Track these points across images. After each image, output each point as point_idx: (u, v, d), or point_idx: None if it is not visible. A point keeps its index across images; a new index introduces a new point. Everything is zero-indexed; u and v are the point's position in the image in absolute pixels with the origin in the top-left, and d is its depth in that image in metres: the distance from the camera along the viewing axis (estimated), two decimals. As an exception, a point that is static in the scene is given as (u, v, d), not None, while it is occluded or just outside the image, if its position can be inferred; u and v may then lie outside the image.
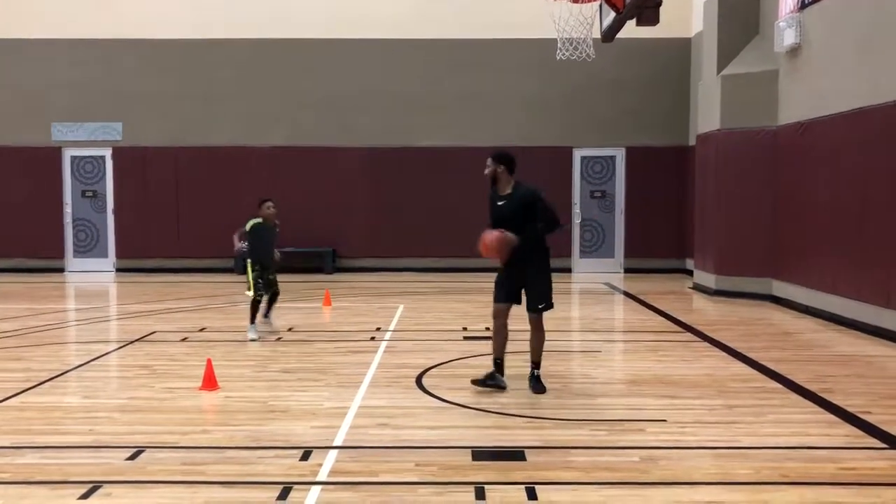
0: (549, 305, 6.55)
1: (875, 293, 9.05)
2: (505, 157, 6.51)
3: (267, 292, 9.12)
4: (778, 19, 11.47)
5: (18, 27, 15.85)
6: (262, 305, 9.14)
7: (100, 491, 4.37)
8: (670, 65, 15.76)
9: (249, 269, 8.86)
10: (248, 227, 8.87)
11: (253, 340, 8.63)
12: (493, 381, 6.47)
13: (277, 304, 9.65)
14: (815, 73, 10.65)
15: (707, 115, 12.96)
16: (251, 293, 8.86)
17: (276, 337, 8.99)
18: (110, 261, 16.21)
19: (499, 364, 6.53)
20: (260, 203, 9.05)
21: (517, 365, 6.99)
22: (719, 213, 12.49)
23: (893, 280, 8.71)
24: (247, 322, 8.94)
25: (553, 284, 6.61)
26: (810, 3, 10.66)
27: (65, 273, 16.04)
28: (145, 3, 15.83)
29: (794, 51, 11.11)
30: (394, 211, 15.91)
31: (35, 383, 6.80)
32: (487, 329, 9.29)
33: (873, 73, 9.19)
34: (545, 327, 6.62)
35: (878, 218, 9.04)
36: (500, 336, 6.52)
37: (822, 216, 10.38)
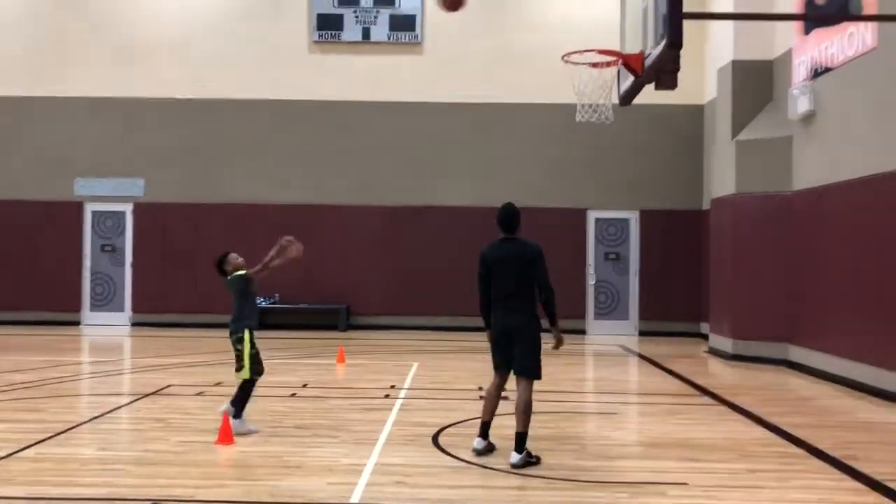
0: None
1: (893, 358, 8.96)
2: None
3: (260, 371, 7.07)
4: (791, 87, 11.65)
5: (45, 86, 16.26)
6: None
7: (116, 543, 4.32)
8: (684, 130, 15.96)
9: (247, 341, 6.92)
10: (242, 280, 7.05)
11: (251, 432, 6.84)
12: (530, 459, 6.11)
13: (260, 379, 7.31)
14: (830, 140, 10.76)
15: (721, 180, 13.06)
16: (245, 374, 6.93)
17: (291, 393, 8.96)
18: (126, 315, 16.28)
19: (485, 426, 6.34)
20: (224, 257, 7.23)
21: (536, 427, 6.91)
22: (735, 277, 12.48)
23: (914, 346, 8.64)
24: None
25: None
26: (823, 72, 10.84)
27: (80, 326, 16.10)
28: (167, 63, 16.24)
29: (808, 118, 11.25)
30: (409, 269, 15.97)
31: (50, 434, 6.78)
32: (505, 389, 9.27)
33: (886, 139, 9.29)
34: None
35: (894, 282, 9.02)
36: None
37: (839, 281, 10.35)
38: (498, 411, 6.44)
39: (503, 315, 6.27)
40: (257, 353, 7.05)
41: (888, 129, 9.28)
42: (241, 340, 6.93)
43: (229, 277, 7.11)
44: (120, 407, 8.16)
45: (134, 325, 16.16)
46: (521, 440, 6.02)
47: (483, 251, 6.47)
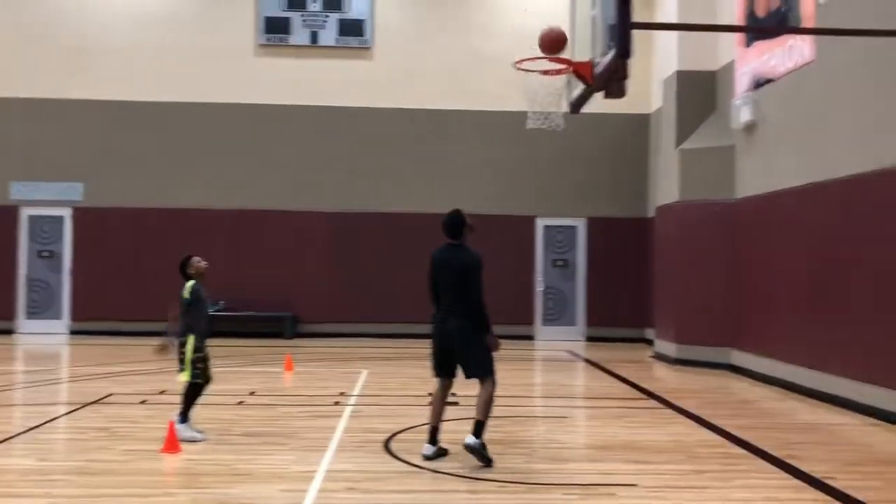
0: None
1: (832, 362, 9.24)
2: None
3: (206, 378, 6.98)
4: (734, 97, 11.95)
5: (-19, 85, 15.76)
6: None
7: (59, 555, 4.19)
8: (630, 139, 16.24)
9: (190, 346, 6.84)
10: (187, 293, 6.96)
11: (194, 441, 6.66)
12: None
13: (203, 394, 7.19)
14: (770, 149, 11.07)
15: (666, 188, 13.32)
16: (186, 378, 6.85)
17: (238, 401, 8.81)
18: (65, 322, 15.81)
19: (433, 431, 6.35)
20: (186, 260, 7.18)
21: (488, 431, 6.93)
22: (679, 283, 12.72)
23: (850, 348, 8.92)
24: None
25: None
26: (764, 83, 11.15)
27: (14, 335, 15.57)
28: (109, 64, 15.86)
29: (750, 127, 11.55)
30: (355, 276, 15.87)
31: (-14, 445, 6.55)
32: (453, 394, 9.26)
33: (823, 149, 9.60)
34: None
35: (833, 288, 9.30)
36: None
37: (779, 287, 10.64)
38: (446, 416, 6.44)
39: (441, 319, 6.33)
40: (204, 359, 6.92)
41: (825, 139, 9.59)
42: (184, 344, 6.86)
43: (187, 283, 7.02)
44: (59, 416, 7.91)
45: (73, 332, 15.70)
46: (479, 427, 6.09)
47: (433, 253, 6.57)
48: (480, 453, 6.05)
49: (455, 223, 6.45)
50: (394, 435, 7.13)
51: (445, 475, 5.88)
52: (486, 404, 6.17)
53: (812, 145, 9.91)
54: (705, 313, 12.31)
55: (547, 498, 5.39)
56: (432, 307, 6.51)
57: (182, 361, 6.86)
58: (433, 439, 6.33)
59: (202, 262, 7.17)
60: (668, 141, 13.38)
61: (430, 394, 9.34)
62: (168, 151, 15.94)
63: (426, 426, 6.48)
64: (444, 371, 6.40)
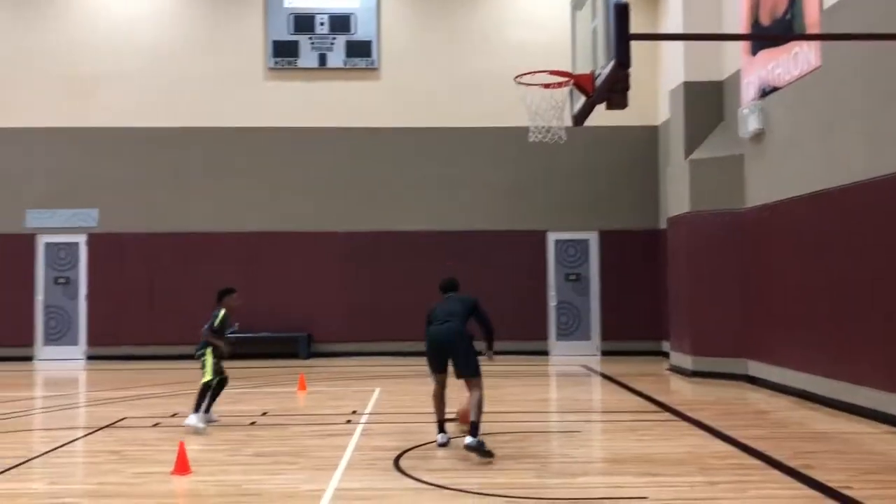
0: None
1: (848, 370, 9.13)
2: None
3: (220, 376, 8.57)
4: (741, 106, 11.92)
5: (-3, 116, 16.02)
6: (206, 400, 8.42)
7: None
8: (639, 151, 16.22)
9: (209, 356, 8.38)
10: (218, 321, 8.42)
11: (198, 430, 7.99)
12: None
13: (223, 394, 8.79)
14: (779, 157, 11.01)
15: (677, 199, 13.28)
16: (208, 377, 8.34)
17: (251, 421, 8.83)
18: (81, 348, 15.94)
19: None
20: (225, 293, 8.61)
21: (499, 446, 6.91)
22: (693, 295, 12.64)
23: (865, 357, 8.81)
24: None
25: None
26: (770, 91, 11.12)
27: (34, 361, 15.71)
28: (121, 93, 16.08)
29: (758, 136, 11.51)
30: (369, 295, 15.91)
31: (0, 470, 6.58)
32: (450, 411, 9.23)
33: (831, 155, 9.54)
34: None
35: (845, 295, 9.21)
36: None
37: (792, 295, 10.55)
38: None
39: (437, 328, 7.31)
40: (218, 362, 8.46)
41: (833, 145, 9.54)
42: (204, 354, 8.42)
43: (220, 312, 8.50)
44: (73, 440, 7.96)
45: (89, 358, 15.82)
46: (475, 428, 6.83)
47: (431, 306, 7.61)
48: (480, 449, 6.65)
49: (453, 281, 7.84)
50: (404, 452, 7.11)
51: (454, 491, 5.85)
52: (479, 406, 6.95)
53: (820, 152, 9.85)
54: (720, 324, 12.22)
55: (556, 512, 5.34)
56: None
57: (203, 367, 8.42)
58: (443, 428, 7.40)
59: (238, 300, 8.73)
60: (677, 152, 13.36)
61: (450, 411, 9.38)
62: (180, 176, 16.10)
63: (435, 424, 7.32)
64: (440, 365, 7.35)
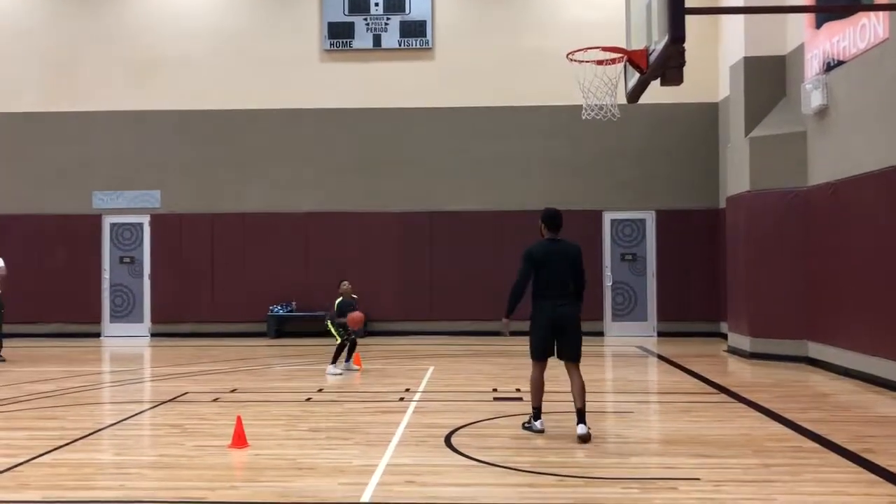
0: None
1: (915, 353, 8.85)
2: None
3: (349, 337, 11.03)
4: (804, 81, 11.57)
5: (62, 100, 16.49)
6: (343, 354, 11.04)
7: (128, 544, 4.37)
8: (698, 129, 15.88)
9: (332, 327, 10.92)
10: (336, 307, 10.97)
11: (337, 374, 10.72)
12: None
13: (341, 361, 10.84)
14: (843, 134, 10.67)
15: (736, 178, 12.98)
16: (339, 340, 10.85)
17: (307, 397, 9.01)
18: (146, 325, 16.44)
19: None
20: (339, 284, 11.26)
21: (551, 426, 6.92)
22: (752, 275, 12.38)
23: (933, 339, 8.52)
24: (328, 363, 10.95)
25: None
26: (836, 65, 10.76)
27: (101, 338, 16.27)
28: (182, 77, 16.40)
29: (822, 112, 11.16)
30: (424, 275, 16.00)
31: (68, 441, 6.86)
32: (518, 390, 9.27)
33: (902, 131, 9.20)
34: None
35: (915, 276, 8.90)
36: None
37: (857, 276, 10.24)
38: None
39: (557, 305, 6.96)
40: (340, 329, 10.87)
41: (901, 120, 9.19)
42: (327, 325, 11.07)
43: (338, 300, 11.04)
44: (137, 414, 8.25)
45: (153, 335, 16.30)
46: (584, 414, 6.80)
47: (530, 249, 7.11)
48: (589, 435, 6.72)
49: (558, 217, 7.23)
50: (456, 430, 7.17)
51: (505, 469, 5.89)
52: (584, 390, 6.95)
53: (887, 128, 9.50)
54: (780, 305, 11.95)
55: (606, 492, 5.34)
56: (513, 293, 7.06)
57: (330, 333, 11.02)
58: (539, 414, 7.10)
59: (347, 285, 11.24)
60: (737, 129, 13.04)
61: (494, 389, 9.44)
62: (238, 158, 16.39)
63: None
64: (548, 352, 7.05)
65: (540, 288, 7.02)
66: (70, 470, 5.98)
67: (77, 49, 16.57)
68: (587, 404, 6.98)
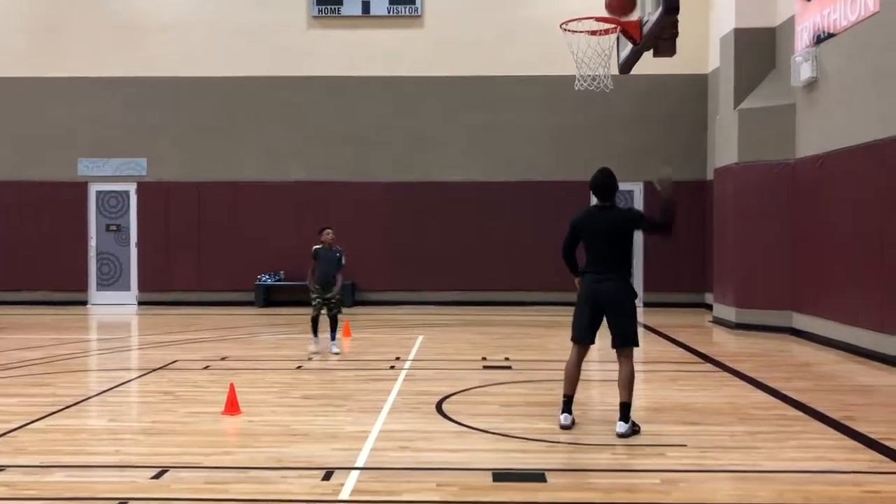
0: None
1: (894, 323, 9.02)
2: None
3: (321, 310, 9.85)
4: (794, 54, 11.60)
5: (47, 66, 16.28)
6: (325, 335, 9.90)
7: (126, 507, 4.44)
8: (688, 100, 15.91)
9: (310, 290, 9.83)
10: (312, 251, 9.87)
11: (314, 353, 9.67)
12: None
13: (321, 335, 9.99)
14: (832, 107, 10.73)
15: (725, 149, 13.05)
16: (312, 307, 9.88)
17: (297, 365, 9.07)
18: (133, 294, 16.41)
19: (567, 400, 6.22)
20: (319, 231, 10.09)
21: (541, 393, 6.99)
22: (738, 247, 12.50)
23: (915, 310, 8.67)
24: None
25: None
26: (825, 38, 10.79)
27: (88, 306, 16.23)
28: (168, 43, 16.21)
29: (811, 85, 11.21)
30: (413, 245, 16.03)
31: (61, 407, 6.89)
32: (507, 359, 9.37)
33: (888, 105, 9.26)
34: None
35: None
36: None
37: (841, 248, 10.37)
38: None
39: (597, 279, 6.05)
40: (315, 298, 9.79)
41: (890, 94, 9.25)
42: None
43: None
44: (128, 381, 8.28)
45: (140, 303, 16.28)
46: (626, 410, 5.95)
47: (576, 217, 6.29)
48: (633, 433, 5.91)
49: (610, 184, 6.26)
50: (447, 397, 7.26)
51: (496, 435, 5.98)
52: (631, 382, 6.00)
53: (877, 101, 9.57)
54: (765, 276, 12.09)
55: (595, 457, 5.45)
56: (565, 257, 6.27)
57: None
58: (569, 408, 6.17)
59: (329, 234, 9.92)
60: (726, 101, 13.07)
61: (483, 358, 9.53)
62: (225, 125, 16.27)
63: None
64: (586, 335, 6.15)
65: (586, 259, 6.19)
66: (64, 436, 6.03)
67: (62, 14, 16.31)
68: (632, 400, 6.02)
